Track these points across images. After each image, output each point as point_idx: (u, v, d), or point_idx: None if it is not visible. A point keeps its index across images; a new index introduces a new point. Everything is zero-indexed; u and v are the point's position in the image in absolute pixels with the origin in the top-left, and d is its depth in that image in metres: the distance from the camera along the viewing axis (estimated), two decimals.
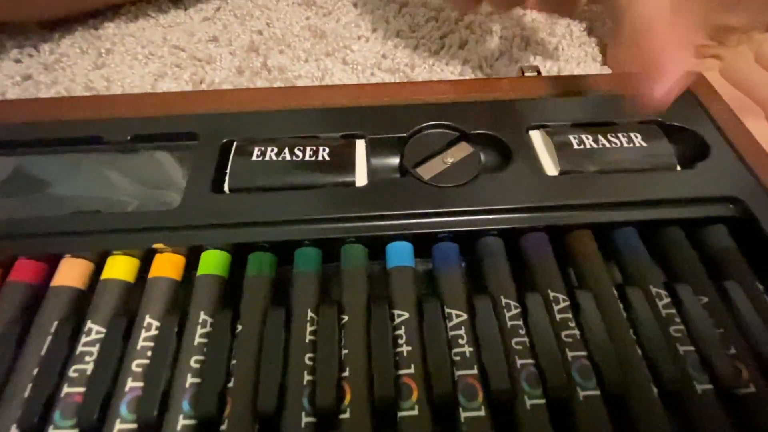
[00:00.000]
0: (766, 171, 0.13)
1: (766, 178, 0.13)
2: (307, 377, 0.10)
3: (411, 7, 0.23)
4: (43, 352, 0.10)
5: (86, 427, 0.10)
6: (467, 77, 0.20)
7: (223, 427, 0.10)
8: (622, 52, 0.20)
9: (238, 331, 0.11)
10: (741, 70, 0.18)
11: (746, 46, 0.19)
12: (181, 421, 0.10)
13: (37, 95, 0.18)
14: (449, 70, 0.20)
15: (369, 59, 0.21)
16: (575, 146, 0.14)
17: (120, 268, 0.12)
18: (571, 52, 0.21)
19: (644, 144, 0.14)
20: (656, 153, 0.14)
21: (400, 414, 0.10)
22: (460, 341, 0.11)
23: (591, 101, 0.15)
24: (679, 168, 0.14)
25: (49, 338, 0.11)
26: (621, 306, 0.11)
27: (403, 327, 0.11)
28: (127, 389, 0.10)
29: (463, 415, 0.10)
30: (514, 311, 0.11)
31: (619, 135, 0.14)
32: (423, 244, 0.12)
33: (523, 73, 0.16)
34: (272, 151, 0.13)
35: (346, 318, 0.11)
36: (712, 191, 0.13)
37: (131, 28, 0.22)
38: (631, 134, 0.14)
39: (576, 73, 0.20)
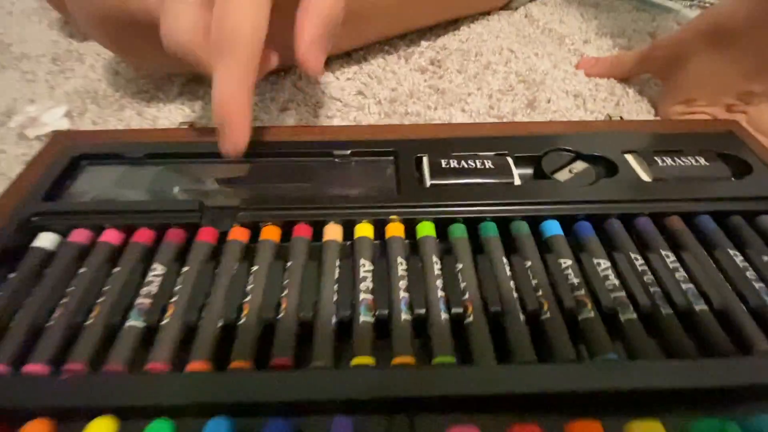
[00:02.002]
0: None
1: None
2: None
3: (503, 73, 0.31)
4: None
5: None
6: None
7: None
8: (669, 107, 0.27)
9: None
10: (763, 121, 0.25)
11: (766, 105, 0.25)
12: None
13: None
14: (541, 118, 0.27)
15: (480, 109, 0.28)
16: (660, 163, 0.20)
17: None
18: (630, 106, 0.28)
19: (706, 163, 0.20)
20: (716, 169, 0.20)
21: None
22: (610, 278, 0.16)
23: (662, 136, 0.22)
24: (732, 179, 0.20)
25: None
26: (711, 260, 0.17)
27: (569, 270, 0.16)
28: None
29: (623, 317, 0.15)
30: (641, 261, 0.17)
31: (688, 157, 0.20)
32: (564, 225, 0.18)
33: (610, 117, 0.23)
34: (454, 161, 0.20)
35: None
36: (760, 192, 0.19)
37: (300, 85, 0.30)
38: (696, 157, 0.20)
39: None
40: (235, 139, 0.18)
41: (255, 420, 0.12)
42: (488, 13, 0.39)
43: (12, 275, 0.16)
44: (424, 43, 0.35)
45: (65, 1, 0.25)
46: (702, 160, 0.20)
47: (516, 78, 0.30)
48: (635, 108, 0.28)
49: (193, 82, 0.30)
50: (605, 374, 0.13)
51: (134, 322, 0.15)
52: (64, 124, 0.26)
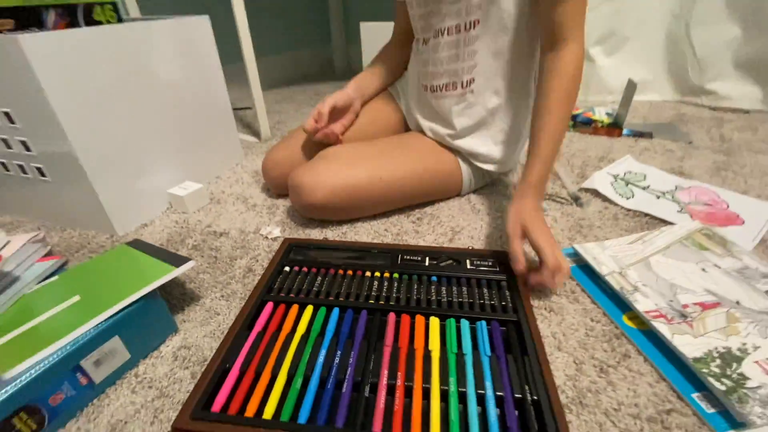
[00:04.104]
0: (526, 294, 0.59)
1: (528, 304, 0.59)
2: None
3: (445, 226, 0.75)
4: None
5: None
6: (460, 246, 0.69)
7: None
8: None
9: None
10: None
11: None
12: None
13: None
14: (455, 245, 0.70)
15: (431, 240, 0.71)
16: (475, 262, 0.61)
17: (370, 274, 0.60)
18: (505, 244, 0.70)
19: (490, 263, 0.61)
20: (491, 265, 0.61)
21: None
22: (432, 291, 0.57)
23: (480, 253, 0.63)
24: (498, 269, 0.60)
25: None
26: (477, 291, 0.57)
27: (422, 287, 0.57)
28: None
29: (435, 299, 0.55)
30: (445, 290, 0.57)
31: (488, 261, 0.61)
32: (439, 279, 0.59)
33: (471, 247, 0.65)
34: (408, 256, 0.63)
35: None
36: (506, 273, 0.59)
37: (376, 223, 0.76)
38: (491, 261, 0.61)
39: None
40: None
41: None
42: (449, 198, 0.85)
43: (279, 277, 0.60)
44: (416, 210, 0.81)
45: (291, 196, 0.75)
46: (490, 261, 0.61)
47: (450, 229, 0.74)
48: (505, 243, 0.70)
49: (323, 221, 0.77)
50: (425, 308, 0.53)
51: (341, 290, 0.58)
52: (279, 233, 0.73)
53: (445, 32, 0.72)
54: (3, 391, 0.38)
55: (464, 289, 0.57)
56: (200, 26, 0.89)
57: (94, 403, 0.45)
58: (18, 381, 0.39)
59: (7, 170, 0.75)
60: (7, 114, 0.66)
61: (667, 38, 1.41)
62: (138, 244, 0.63)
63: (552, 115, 0.63)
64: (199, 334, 0.54)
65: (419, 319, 0.52)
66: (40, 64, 0.60)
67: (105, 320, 0.46)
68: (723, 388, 0.42)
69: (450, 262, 0.62)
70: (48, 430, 0.41)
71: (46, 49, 0.61)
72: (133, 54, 0.74)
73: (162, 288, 0.60)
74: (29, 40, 0.59)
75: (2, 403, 0.38)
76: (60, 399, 0.42)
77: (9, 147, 0.71)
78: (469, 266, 0.61)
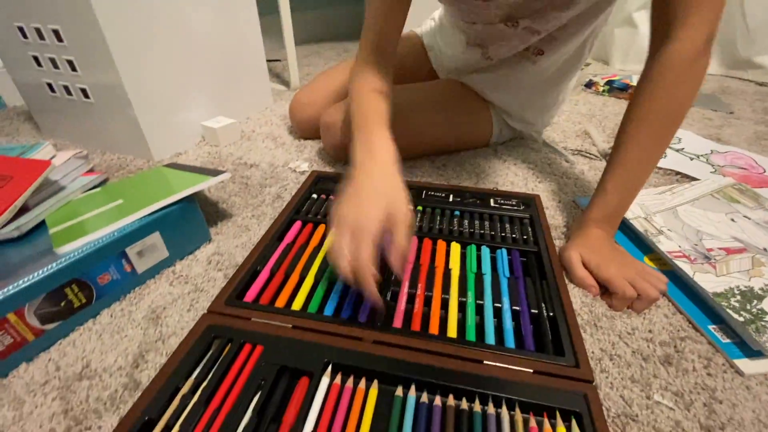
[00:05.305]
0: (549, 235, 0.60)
1: (549, 239, 0.59)
2: None
3: (470, 171, 0.75)
4: None
5: None
6: None
7: None
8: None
9: None
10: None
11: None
12: None
13: None
14: (480, 185, 0.70)
15: (454, 182, 0.72)
16: (500, 201, 0.62)
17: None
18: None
19: (514, 204, 0.61)
20: (517, 205, 0.61)
21: None
22: (455, 223, 0.58)
23: (509, 194, 0.64)
24: (522, 208, 0.61)
25: None
26: (500, 225, 0.57)
27: (445, 219, 0.58)
28: None
29: (460, 230, 0.56)
30: (468, 222, 0.58)
31: (512, 201, 0.62)
32: (462, 214, 0.60)
33: (496, 187, 0.66)
34: (435, 192, 0.64)
35: None
36: (527, 213, 0.59)
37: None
38: (515, 201, 0.62)
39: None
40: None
41: None
42: (477, 147, 0.85)
43: (307, 202, 0.63)
44: (442, 156, 0.81)
45: (322, 134, 0.76)
46: (514, 201, 0.62)
47: (474, 174, 0.74)
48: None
49: (345, 162, 0.79)
50: (447, 236, 0.55)
51: None
52: (307, 168, 0.75)
53: (519, 27, 0.67)
54: (58, 262, 0.42)
55: (486, 223, 0.58)
56: None
57: (136, 291, 0.49)
58: (71, 256, 0.42)
59: (53, 91, 0.79)
60: (56, 32, 0.69)
61: None
62: (174, 165, 0.66)
63: (638, 135, 0.49)
64: (231, 245, 0.57)
65: (441, 244, 0.53)
66: None
67: (147, 215, 0.49)
68: (741, 319, 0.42)
69: (474, 200, 0.63)
70: (95, 305, 0.45)
71: None
72: None
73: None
74: None
75: (57, 273, 0.41)
76: (107, 280, 0.45)
77: (56, 67, 0.74)
78: (493, 204, 0.62)
